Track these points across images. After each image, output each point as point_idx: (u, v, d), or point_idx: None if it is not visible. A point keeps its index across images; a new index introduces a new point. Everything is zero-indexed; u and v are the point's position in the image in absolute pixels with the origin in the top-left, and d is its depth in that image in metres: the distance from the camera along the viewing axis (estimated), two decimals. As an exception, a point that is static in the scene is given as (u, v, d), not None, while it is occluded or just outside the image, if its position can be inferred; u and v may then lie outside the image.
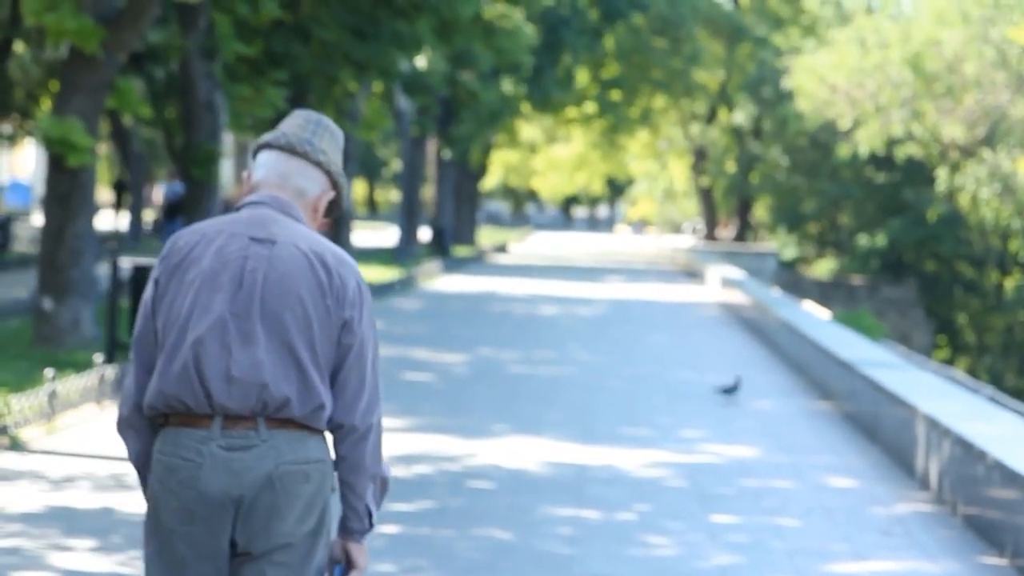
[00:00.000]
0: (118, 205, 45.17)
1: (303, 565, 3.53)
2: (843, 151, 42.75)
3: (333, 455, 3.62)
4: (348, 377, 3.55)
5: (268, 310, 3.50)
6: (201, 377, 3.48)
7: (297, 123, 3.69)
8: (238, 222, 3.58)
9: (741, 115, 55.74)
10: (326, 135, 3.69)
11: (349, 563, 3.63)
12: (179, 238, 3.61)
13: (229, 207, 14.74)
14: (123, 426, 3.64)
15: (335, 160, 3.70)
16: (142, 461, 3.66)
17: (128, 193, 44.68)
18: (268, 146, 3.67)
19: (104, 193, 63.55)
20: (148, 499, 3.59)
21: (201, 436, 3.49)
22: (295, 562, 3.52)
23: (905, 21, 40.61)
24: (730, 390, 13.69)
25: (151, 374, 3.57)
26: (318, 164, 3.66)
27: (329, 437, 3.63)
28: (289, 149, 3.65)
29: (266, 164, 3.66)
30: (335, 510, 3.69)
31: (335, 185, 3.70)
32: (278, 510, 3.48)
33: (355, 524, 3.62)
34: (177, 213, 23.39)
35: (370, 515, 3.62)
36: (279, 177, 3.64)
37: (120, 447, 10.03)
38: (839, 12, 50.63)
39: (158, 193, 20.95)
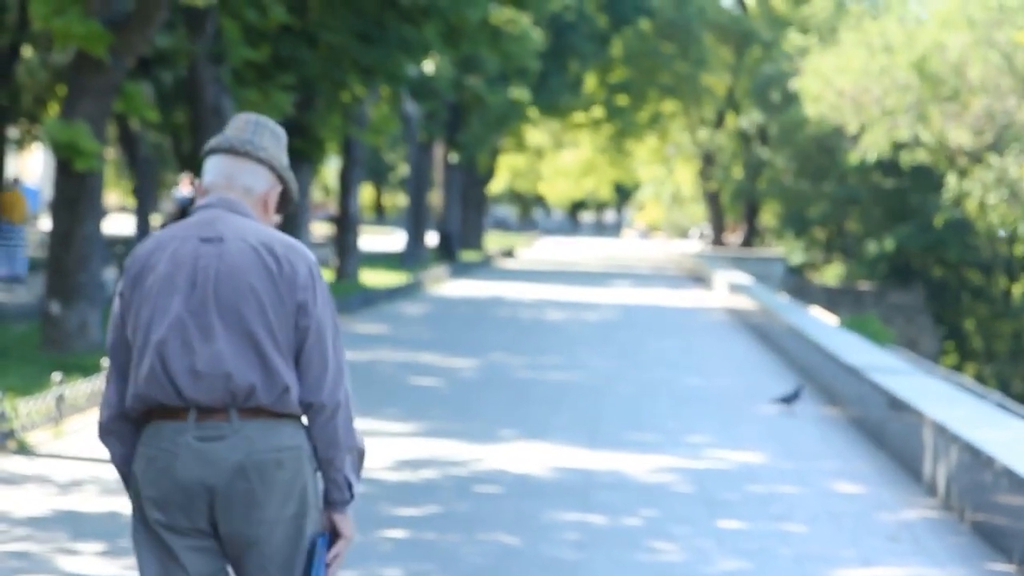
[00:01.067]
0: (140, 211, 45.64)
1: (294, 546, 3.71)
2: (851, 158, 42.74)
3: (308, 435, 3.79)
4: (310, 357, 3.71)
5: (224, 304, 3.68)
6: (168, 375, 3.66)
7: (238, 126, 3.87)
8: (189, 226, 3.78)
9: (747, 120, 55.70)
10: (267, 133, 3.87)
11: (335, 533, 3.79)
12: (137, 250, 3.80)
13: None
14: (104, 432, 3.83)
15: (278, 156, 3.87)
16: (126, 465, 3.83)
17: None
18: (213, 151, 3.86)
19: (114, 198, 63.58)
20: (132, 491, 3.77)
21: (178, 428, 3.67)
22: (285, 546, 3.70)
23: (911, 24, 40.60)
24: (789, 399, 13.44)
25: (126, 381, 3.77)
26: (260, 161, 3.84)
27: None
28: (231, 151, 3.84)
29: (213, 168, 3.85)
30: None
31: (281, 179, 3.88)
32: (255, 497, 3.65)
33: (336, 495, 3.78)
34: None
35: (350, 486, 3.79)
36: (225, 178, 3.83)
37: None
38: (841, 11, 50.62)
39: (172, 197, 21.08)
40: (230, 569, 3.79)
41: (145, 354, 3.68)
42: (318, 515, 3.76)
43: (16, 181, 25.16)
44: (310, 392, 3.71)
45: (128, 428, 3.79)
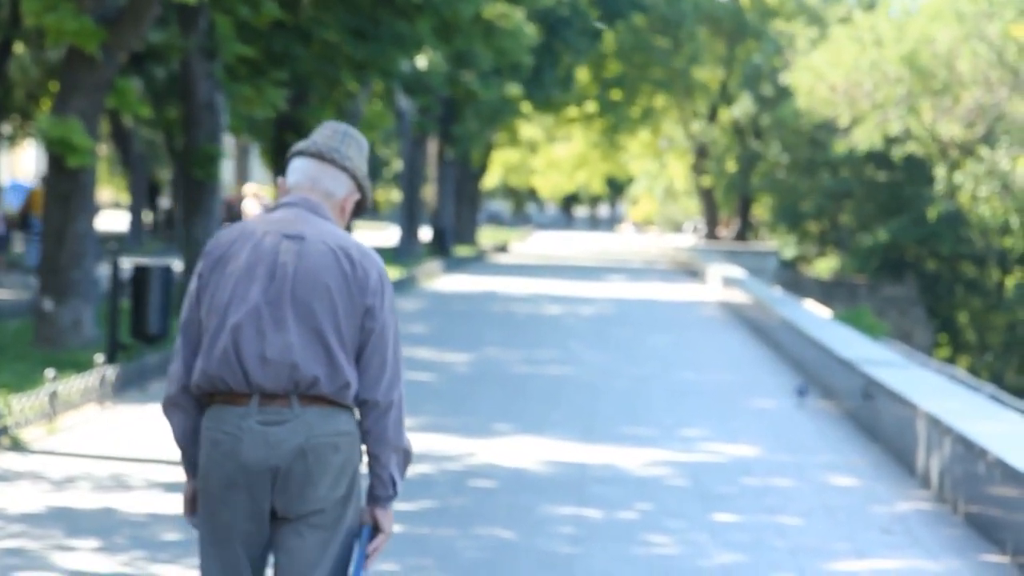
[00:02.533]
0: (152, 206, 46.00)
1: (336, 526, 3.93)
2: (839, 147, 42.78)
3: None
4: (371, 358, 3.95)
5: (298, 299, 3.92)
6: (239, 359, 3.88)
7: (326, 133, 4.13)
8: (272, 221, 4.01)
9: (739, 110, 55.64)
10: (352, 143, 4.13)
11: (376, 527, 4.01)
12: (221, 236, 4.04)
13: (231, 208, 14.73)
14: (169, 405, 4.04)
15: (360, 165, 4.14)
16: (187, 438, 4.04)
17: (161, 194, 45.08)
18: (301, 153, 4.12)
19: (107, 194, 63.49)
20: (199, 470, 3.96)
21: (241, 412, 3.89)
22: (328, 524, 3.92)
23: (901, 18, 40.66)
24: (803, 392, 13.77)
25: (196, 357, 3.98)
26: (344, 169, 4.10)
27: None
28: (319, 156, 4.09)
29: (299, 169, 4.11)
30: (364, 479, 4.00)
31: (360, 187, 4.14)
32: (311, 478, 3.88)
33: (381, 491, 4.01)
34: None
35: (394, 483, 4.01)
36: (310, 181, 4.09)
37: (120, 448, 9.96)
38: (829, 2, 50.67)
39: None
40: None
41: (220, 336, 3.91)
42: (360, 505, 3.99)
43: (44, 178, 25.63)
44: (367, 389, 3.95)
45: (192, 401, 4.00)
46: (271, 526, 3.94)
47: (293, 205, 4.03)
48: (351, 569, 3.96)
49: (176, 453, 4.11)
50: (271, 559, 4.01)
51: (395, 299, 4.07)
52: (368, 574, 4.01)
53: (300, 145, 4.13)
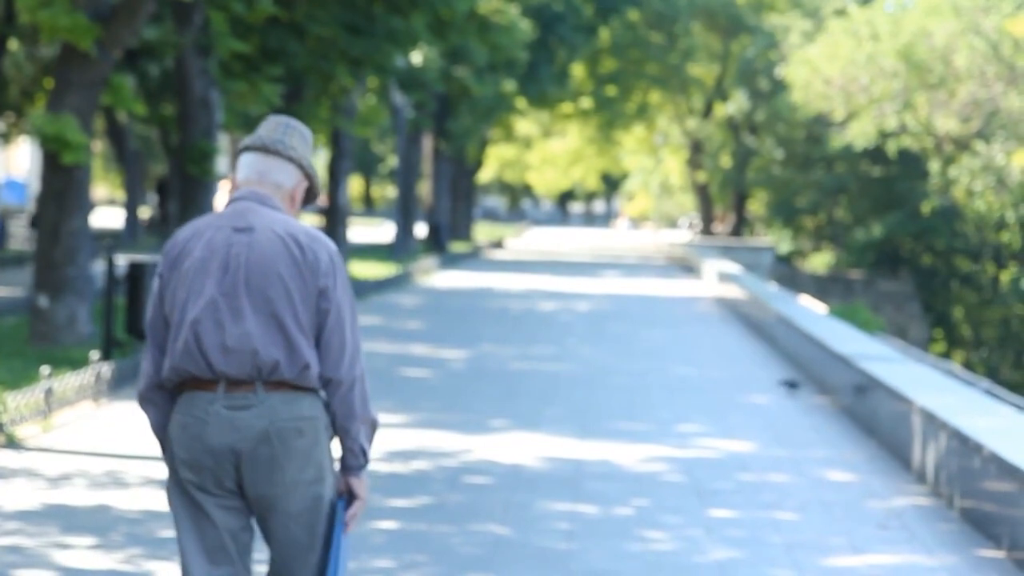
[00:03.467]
0: (163, 204, 46.03)
1: (315, 509, 4.11)
2: (835, 142, 42.79)
3: (327, 408, 4.18)
4: (331, 338, 4.12)
5: (253, 287, 4.08)
6: (201, 350, 4.05)
7: (269, 126, 4.28)
8: (223, 216, 4.18)
9: (734, 106, 55.66)
10: (295, 134, 4.27)
11: (351, 496, 4.20)
12: (177, 235, 4.19)
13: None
14: (143, 401, 4.23)
15: (305, 155, 4.28)
16: (162, 430, 4.22)
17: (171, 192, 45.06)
18: (247, 149, 4.27)
19: (102, 191, 63.49)
20: (168, 455, 4.15)
21: (209, 398, 4.07)
22: (307, 508, 4.09)
23: (897, 12, 40.67)
24: (794, 384, 14.01)
25: (163, 354, 4.16)
26: (290, 159, 4.25)
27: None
28: (264, 149, 4.24)
29: (246, 164, 4.26)
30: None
31: (307, 176, 4.29)
32: (277, 461, 4.05)
33: (352, 461, 4.19)
34: None
35: (364, 452, 4.20)
36: (258, 174, 4.24)
37: (116, 445, 9.97)
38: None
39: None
40: (254, 524, 4.19)
41: (181, 331, 4.08)
42: (334, 480, 4.16)
43: None
44: (330, 368, 4.11)
45: (163, 396, 4.19)
46: (255, 517, 4.12)
47: (243, 199, 4.18)
48: (334, 541, 4.12)
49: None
50: (267, 553, 4.15)
51: (349, 279, 4.23)
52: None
53: (246, 140, 4.26)
